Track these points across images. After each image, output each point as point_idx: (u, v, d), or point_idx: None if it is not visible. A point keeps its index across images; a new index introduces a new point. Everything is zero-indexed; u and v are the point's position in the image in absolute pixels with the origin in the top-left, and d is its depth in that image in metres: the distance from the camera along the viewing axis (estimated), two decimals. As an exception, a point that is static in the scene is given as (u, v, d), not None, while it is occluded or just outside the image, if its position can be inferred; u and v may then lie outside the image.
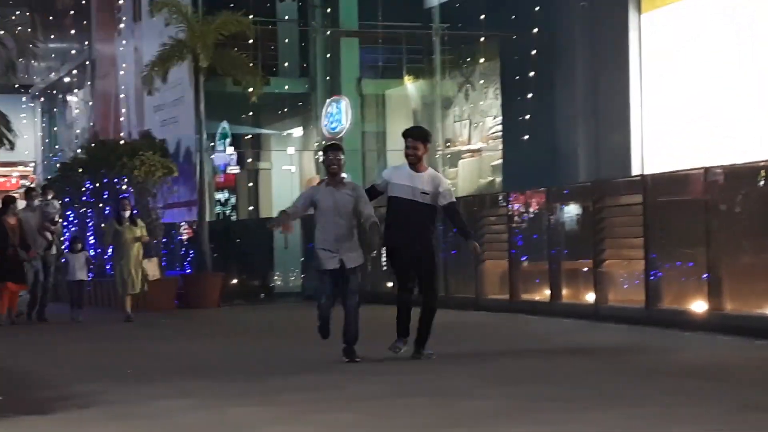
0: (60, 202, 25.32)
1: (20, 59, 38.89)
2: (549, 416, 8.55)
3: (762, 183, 14.54)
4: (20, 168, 49.64)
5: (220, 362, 13.92)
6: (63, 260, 23.38)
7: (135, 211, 22.76)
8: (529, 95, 25.90)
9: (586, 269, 17.97)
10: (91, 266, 24.01)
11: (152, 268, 22.96)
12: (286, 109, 33.15)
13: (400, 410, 8.91)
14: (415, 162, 12.62)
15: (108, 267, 25.61)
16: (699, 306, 14.81)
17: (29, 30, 43.74)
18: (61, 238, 23.77)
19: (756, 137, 19.65)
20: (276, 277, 28.28)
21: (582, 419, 8.34)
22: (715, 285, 14.51)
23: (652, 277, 15.79)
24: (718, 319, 14.33)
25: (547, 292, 18.54)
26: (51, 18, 43.90)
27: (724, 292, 14.21)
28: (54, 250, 22.11)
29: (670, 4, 22.55)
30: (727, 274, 14.70)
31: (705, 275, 14.76)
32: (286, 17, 32.94)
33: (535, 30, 25.69)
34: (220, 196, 33.81)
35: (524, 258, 19.58)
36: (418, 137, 12.84)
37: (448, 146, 31.38)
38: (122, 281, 20.93)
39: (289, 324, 20.44)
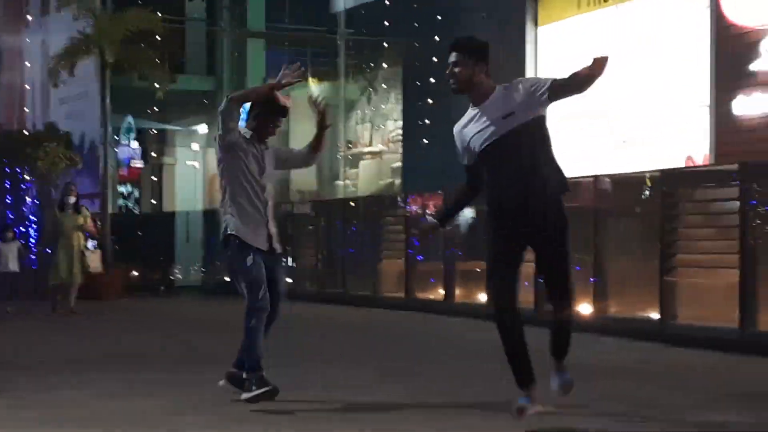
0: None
1: None
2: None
3: (648, 193, 14.85)
4: None
5: (120, 353, 13.66)
6: None
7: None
8: (429, 101, 26.14)
9: (479, 270, 17.99)
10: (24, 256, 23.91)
11: (95, 259, 22.74)
12: (191, 106, 33.08)
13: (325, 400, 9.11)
14: (463, 89, 7.78)
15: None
16: (585, 308, 15.01)
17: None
18: None
19: (647, 147, 20.03)
20: (176, 271, 28.35)
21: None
22: (600, 288, 14.84)
23: (540, 280, 15.90)
24: (603, 321, 14.63)
25: (441, 291, 18.77)
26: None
27: (609, 295, 14.56)
28: None
29: (565, 19, 22.87)
30: (612, 278, 15.04)
31: (592, 279, 14.99)
32: (195, 16, 32.90)
33: (437, 38, 25.95)
34: (123, 189, 33.47)
35: (420, 258, 19.78)
36: (462, 49, 7.73)
37: (350, 148, 31.53)
38: (55, 269, 20.19)
39: (189, 316, 20.50)
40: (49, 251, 23.09)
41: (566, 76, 7.58)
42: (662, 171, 14.82)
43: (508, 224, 7.51)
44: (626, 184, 15.30)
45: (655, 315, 13.96)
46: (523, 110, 7.34)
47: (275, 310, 9.00)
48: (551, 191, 7.46)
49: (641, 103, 20.71)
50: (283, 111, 9.24)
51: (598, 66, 7.43)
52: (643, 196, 14.81)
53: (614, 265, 15.00)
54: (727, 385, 10.34)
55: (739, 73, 17.43)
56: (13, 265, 22.90)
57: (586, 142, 21.40)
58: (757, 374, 10.98)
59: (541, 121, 7.55)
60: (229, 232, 8.97)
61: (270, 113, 9.10)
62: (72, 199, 20.33)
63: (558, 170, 7.58)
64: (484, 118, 7.41)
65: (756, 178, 12.68)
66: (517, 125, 7.27)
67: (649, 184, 14.69)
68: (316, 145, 9.43)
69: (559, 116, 22.55)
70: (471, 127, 7.53)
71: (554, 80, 7.51)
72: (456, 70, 7.43)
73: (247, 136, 9.02)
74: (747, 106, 17.28)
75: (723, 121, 17.82)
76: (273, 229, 9.15)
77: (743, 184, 12.81)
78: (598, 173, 16.21)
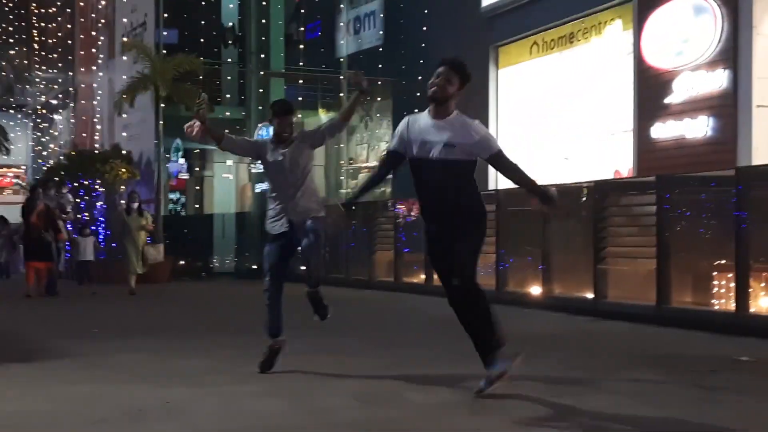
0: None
1: (17, 84, 38.45)
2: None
3: (584, 199, 14.90)
4: (13, 169, 50.42)
5: (170, 324, 13.84)
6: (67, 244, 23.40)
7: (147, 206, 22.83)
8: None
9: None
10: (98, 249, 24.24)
11: (155, 252, 22.78)
12: (226, 131, 33.08)
13: (322, 363, 8.98)
14: (438, 98, 6.94)
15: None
16: (535, 290, 15.14)
17: (25, 62, 43.59)
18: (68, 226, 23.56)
19: (584, 163, 20.11)
20: (214, 260, 28.46)
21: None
22: (547, 274, 14.91)
23: (501, 267, 16.02)
24: (549, 299, 14.71)
25: (423, 276, 18.85)
26: (43, 53, 43.72)
27: (554, 279, 14.65)
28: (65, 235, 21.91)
29: (521, 63, 22.88)
30: (556, 266, 15.12)
31: (540, 266, 15.09)
32: (228, 60, 33.06)
33: (420, 77, 25.95)
34: (173, 196, 33.70)
35: (406, 250, 19.83)
36: (455, 67, 7.03)
37: (351, 163, 31.60)
38: (129, 262, 20.19)
39: (223, 295, 20.58)
40: (115, 246, 23.22)
41: (509, 163, 7.08)
42: (595, 182, 14.88)
43: (428, 228, 7.07)
44: (568, 191, 15.28)
45: (590, 295, 13.97)
46: (464, 151, 6.75)
47: (309, 275, 8.52)
48: (462, 219, 6.89)
49: (580, 128, 20.81)
50: (277, 110, 8.65)
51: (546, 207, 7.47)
52: (580, 202, 14.89)
53: (558, 255, 15.05)
54: (644, 350, 10.40)
55: (656, 105, 17.52)
56: (90, 255, 23.12)
57: (538, 158, 21.40)
58: (669, 342, 11.05)
59: (473, 165, 6.91)
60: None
61: (272, 116, 8.69)
62: (135, 205, 20.43)
63: (475, 201, 7.04)
64: (434, 132, 6.73)
65: (669, 188, 12.74)
66: (452, 158, 6.70)
67: (585, 192, 14.79)
68: (346, 114, 8.82)
69: (518, 136, 22.72)
70: (420, 130, 6.80)
71: (499, 152, 6.97)
72: (441, 81, 6.72)
73: (270, 142, 8.70)
74: (662, 131, 17.39)
75: (643, 143, 17.93)
76: (300, 205, 8.36)
77: (659, 192, 12.89)
78: (547, 183, 16.17)
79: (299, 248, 8.43)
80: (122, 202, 24.17)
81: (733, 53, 15.95)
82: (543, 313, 14.08)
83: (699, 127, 16.58)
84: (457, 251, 6.82)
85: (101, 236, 27.40)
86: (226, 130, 9.31)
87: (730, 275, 11.43)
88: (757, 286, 11.17)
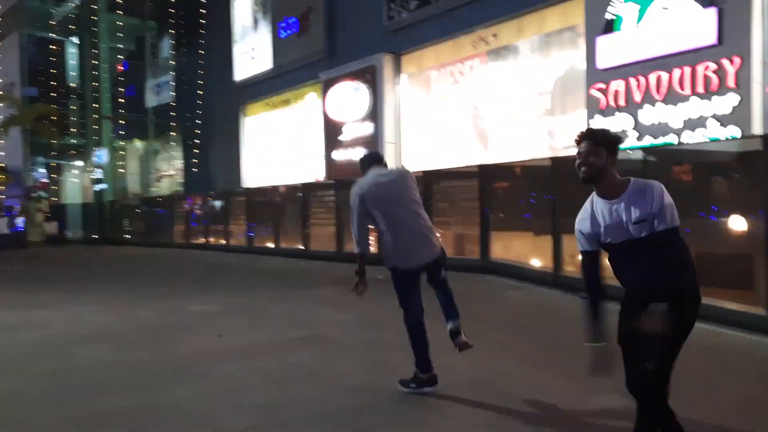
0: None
1: None
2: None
3: (300, 194, 14.94)
4: None
5: (38, 274, 12.37)
6: None
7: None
8: (195, 151, 25.93)
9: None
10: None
11: (50, 227, 20.98)
12: (74, 152, 30.87)
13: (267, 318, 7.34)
14: (594, 178, 2.69)
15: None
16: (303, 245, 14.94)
17: None
18: None
19: (300, 177, 20.05)
20: (68, 232, 26.44)
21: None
22: (280, 235, 14.86)
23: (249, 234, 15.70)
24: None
25: (203, 239, 18.36)
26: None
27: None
28: None
29: (262, 113, 22.62)
30: (288, 230, 14.81)
31: (270, 228, 14.87)
32: (73, 107, 30.52)
33: (198, 121, 25.70)
34: (38, 193, 30.89)
35: (194, 224, 19.52)
36: (591, 137, 2.73)
37: (157, 172, 30.19)
38: (29, 232, 18.49)
39: (78, 256, 19.42)
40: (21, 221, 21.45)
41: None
42: (303, 184, 14.95)
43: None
44: (290, 189, 15.47)
45: (301, 246, 14.04)
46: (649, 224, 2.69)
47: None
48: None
49: (298, 155, 20.54)
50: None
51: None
52: (296, 196, 14.93)
53: (292, 226, 14.71)
54: (329, 276, 10.41)
55: (335, 141, 17.88)
56: (3, 230, 21.53)
57: (278, 173, 21.28)
58: (343, 269, 10.28)
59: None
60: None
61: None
62: (35, 193, 19.48)
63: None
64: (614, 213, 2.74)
65: (344, 187, 12.99)
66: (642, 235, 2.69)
67: (299, 189, 14.69)
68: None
69: (260, 164, 22.81)
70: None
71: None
72: (586, 159, 2.76)
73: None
74: (338, 155, 17.78)
75: (329, 162, 18.14)
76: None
77: (336, 190, 13.22)
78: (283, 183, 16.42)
79: None
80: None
81: (375, 113, 16.93)
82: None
83: (360, 155, 17.19)
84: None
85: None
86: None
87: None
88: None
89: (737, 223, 6.70)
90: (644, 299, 2.56)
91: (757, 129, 9.20)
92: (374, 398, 4.05)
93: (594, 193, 2.77)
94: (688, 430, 2.66)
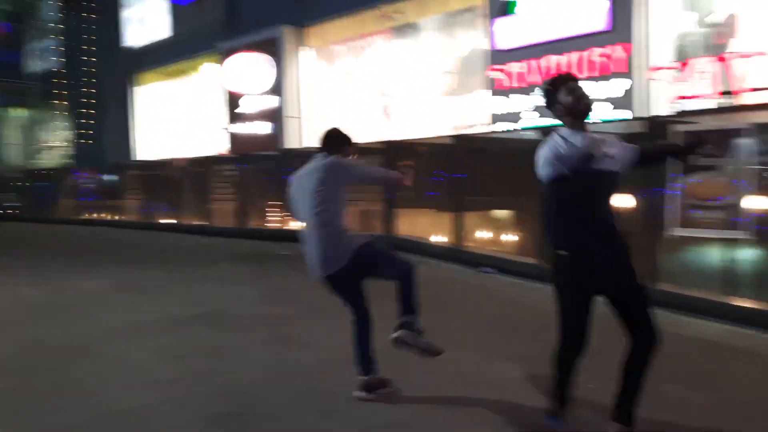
0: None
1: None
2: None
3: (201, 169, 14.88)
4: None
5: None
6: None
7: None
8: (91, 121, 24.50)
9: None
10: None
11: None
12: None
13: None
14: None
15: None
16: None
17: None
18: None
19: (205, 149, 19.70)
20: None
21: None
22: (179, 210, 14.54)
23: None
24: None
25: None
26: None
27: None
28: None
29: (156, 82, 21.88)
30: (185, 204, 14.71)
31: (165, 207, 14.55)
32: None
33: (94, 91, 24.32)
34: None
35: (82, 198, 18.65)
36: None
37: (47, 143, 28.19)
38: None
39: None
40: None
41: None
42: (206, 156, 14.82)
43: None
44: (194, 163, 15.22)
45: (205, 222, 13.80)
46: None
47: None
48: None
49: (195, 127, 20.29)
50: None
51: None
52: (198, 170, 14.76)
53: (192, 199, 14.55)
54: (231, 252, 10.28)
55: (236, 113, 17.49)
56: None
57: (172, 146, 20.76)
58: (247, 246, 10.80)
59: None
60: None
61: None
62: None
63: None
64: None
65: (246, 161, 12.86)
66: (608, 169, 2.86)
67: (202, 163, 14.60)
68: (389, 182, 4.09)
69: (153, 135, 21.92)
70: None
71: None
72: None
73: None
74: (241, 128, 17.41)
75: (233, 135, 17.82)
76: None
77: (240, 163, 13.04)
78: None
79: None
80: None
81: (279, 87, 16.66)
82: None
83: (264, 128, 16.94)
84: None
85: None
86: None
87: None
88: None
89: (625, 200, 7.09)
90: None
91: (640, 111, 9.79)
92: (278, 372, 4.03)
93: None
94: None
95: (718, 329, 4.93)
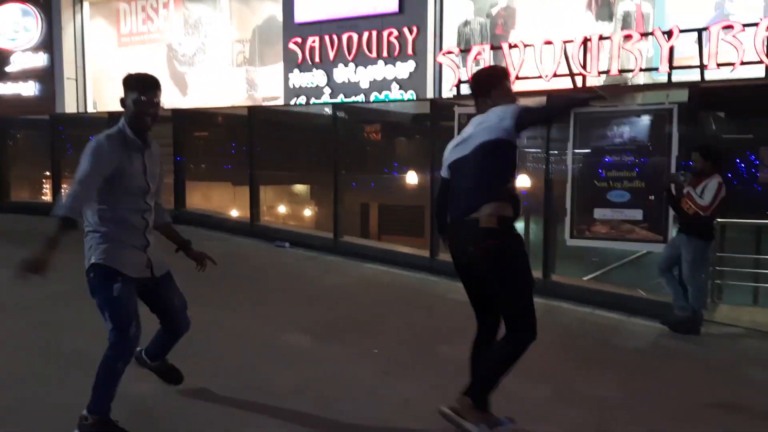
0: None
1: None
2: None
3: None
4: None
5: None
6: None
7: None
8: None
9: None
10: None
11: None
12: None
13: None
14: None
15: None
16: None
17: None
18: None
19: None
20: None
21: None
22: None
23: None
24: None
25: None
26: None
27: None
28: None
29: None
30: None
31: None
32: None
33: None
34: None
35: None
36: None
37: None
38: None
39: None
40: None
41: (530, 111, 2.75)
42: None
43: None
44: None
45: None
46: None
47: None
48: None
49: None
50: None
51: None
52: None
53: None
54: None
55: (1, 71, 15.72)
56: None
57: None
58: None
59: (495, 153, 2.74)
60: None
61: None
62: None
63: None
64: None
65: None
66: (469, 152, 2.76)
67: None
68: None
69: None
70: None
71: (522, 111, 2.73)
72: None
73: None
74: (4, 89, 15.73)
75: None
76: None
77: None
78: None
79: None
80: None
81: (51, 44, 15.14)
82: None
83: (30, 89, 15.36)
84: None
85: None
86: None
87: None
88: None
89: (413, 178, 7.47)
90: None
91: (429, 93, 10.37)
92: (41, 358, 3.75)
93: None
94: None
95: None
